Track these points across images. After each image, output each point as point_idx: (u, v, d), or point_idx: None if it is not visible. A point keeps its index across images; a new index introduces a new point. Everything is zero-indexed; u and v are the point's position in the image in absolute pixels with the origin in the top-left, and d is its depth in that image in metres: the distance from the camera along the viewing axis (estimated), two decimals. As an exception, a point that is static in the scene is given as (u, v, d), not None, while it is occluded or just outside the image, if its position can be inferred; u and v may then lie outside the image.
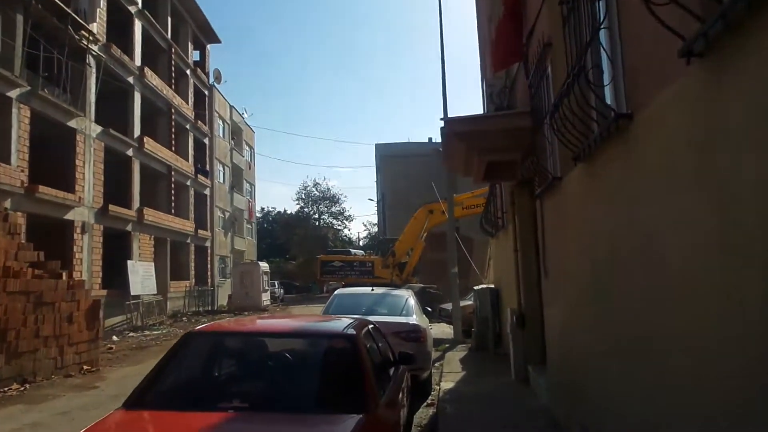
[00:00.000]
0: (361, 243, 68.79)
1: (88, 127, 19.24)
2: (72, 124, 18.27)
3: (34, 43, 16.19)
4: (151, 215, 23.77)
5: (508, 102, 8.57)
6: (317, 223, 62.50)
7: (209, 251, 32.93)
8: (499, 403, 7.04)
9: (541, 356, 7.96)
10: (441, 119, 6.25)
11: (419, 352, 7.63)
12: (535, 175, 5.93)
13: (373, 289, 9.32)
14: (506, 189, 9.53)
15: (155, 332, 19.61)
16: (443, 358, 11.73)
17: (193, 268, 29.96)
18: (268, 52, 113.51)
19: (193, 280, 29.72)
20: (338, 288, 10.00)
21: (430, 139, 49.07)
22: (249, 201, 43.68)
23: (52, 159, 18.26)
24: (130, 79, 22.80)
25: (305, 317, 4.58)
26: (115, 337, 17.90)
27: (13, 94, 15.33)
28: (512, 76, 8.75)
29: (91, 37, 19.14)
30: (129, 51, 22.87)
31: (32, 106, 16.12)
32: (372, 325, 4.94)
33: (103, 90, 21.40)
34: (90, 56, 19.47)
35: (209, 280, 32.43)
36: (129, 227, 22.31)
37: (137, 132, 23.23)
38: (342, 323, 4.22)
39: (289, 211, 66.69)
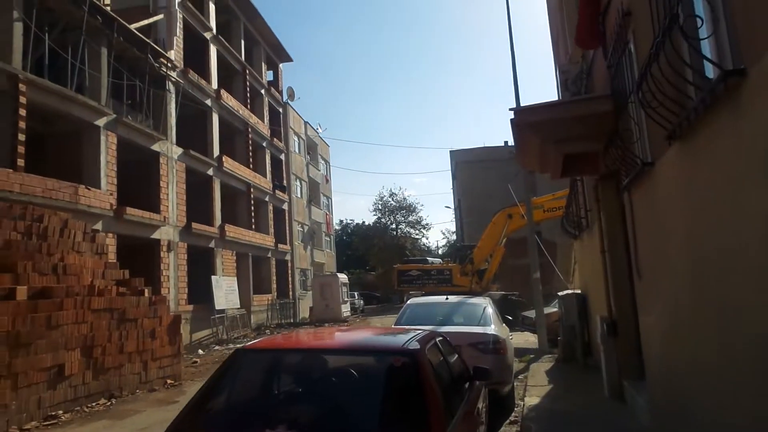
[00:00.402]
0: (440, 251, 68.06)
1: (169, 150, 20.15)
2: (155, 147, 19.18)
3: (117, 73, 17.16)
4: (232, 231, 24.52)
5: (585, 88, 7.82)
6: (395, 233, 62.48)
7: (289, 264, 33.60)
8: (591, 423, 6.29)
9: (639, 370, 7.10)
10: (511, 110, 5.69)
11: (499, 364, 7.04)
12: (621, 164, 5.22)
13: (447, 298, 8.80)
14: (588, 185, 8.72)
15: (239, 345, 20.02)
16: (527, 370, 10.96)
17: (274, 282, 30.64)
18: (338, 67, 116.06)
19: (275, 293, 30.36)
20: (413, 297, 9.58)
21: (505, 142, 47.56)
22: (326, 214, 44.35)
23: (138, 182, 19.23)
24: (208, 102, 23.74)
25: (369, 329, 4.22)
26: (201, 351, 18.46)
27: (101, 122, 16.27)
28: (588, 60, 8.00)
29: (169, 64, 20.09)
30: (206, 75, 23.84)
31: (118, 133, 17.05)
32: (440, 338, 4.46)
33: (182, 114, 22.45)
34: (169, 82, 20.43)
35: (290, 293, 33.03)
36: (212, 244, 23.10)
37: (216, 152, 24.10)
38: (404, 337, 3.78)
39: (367, 223, 67.25)
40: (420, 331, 4.06)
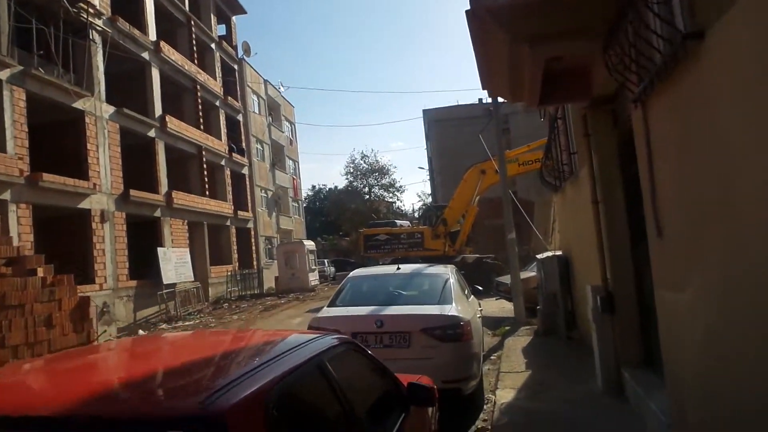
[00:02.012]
0: (416, 214, 66.47)
1: (98, 108, 17.71)
2: (78, 105, 16.74)
3: (25, 21, 14.59)
4: (181, 198, 22.33)
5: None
6: (368, 197, 60.63)
7: (252, 233, 31.56)
8: (586, 436, 4.62)
9: (643, 355, 5.44)
10: (466, -3, 3.76)
11: (461, 355, 5.34)
12: (632, 62, 3.38)
13: (399, 268, 6.98)
14: (574, 118, 6.89)
15: (188, 322, 18.21)
16: (501, 346, 9.34)
17: (235, 251, 28.66)
18: (303, 25, 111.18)
19: (237, 264, 28.43)
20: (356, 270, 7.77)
21: (480, 100, 45.68)
22: (293, 178, 42.12)
23: (61, 145, 16.91)
24: (145, 55, 21.15)
25: (199, 348, 2.36)
26: (141, 331, 16.56)
27: (3, 75, 13.82)
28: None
29: (92, 11, 17.45)
30: (141, 25, 21.18)
31: (27, 88, 14.61)
32: (342, 349, 2.65)
33: (118, 70, 19.94)
34: (93, 31, 17.82)
35: (254, 263, 31.11)
36: (158, 213, 20.93)
37: (159, 111, 21.66)
38: (230, 376, 1.86)
39: (339, 187, 65.04)
40: (287, 352, 2.22)
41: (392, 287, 6.49)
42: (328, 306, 6.25)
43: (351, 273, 7.26)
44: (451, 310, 5.64)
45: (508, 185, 13.36)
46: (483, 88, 6.14)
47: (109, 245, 17.59)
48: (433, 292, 6.23)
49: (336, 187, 65.47)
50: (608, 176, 5.63)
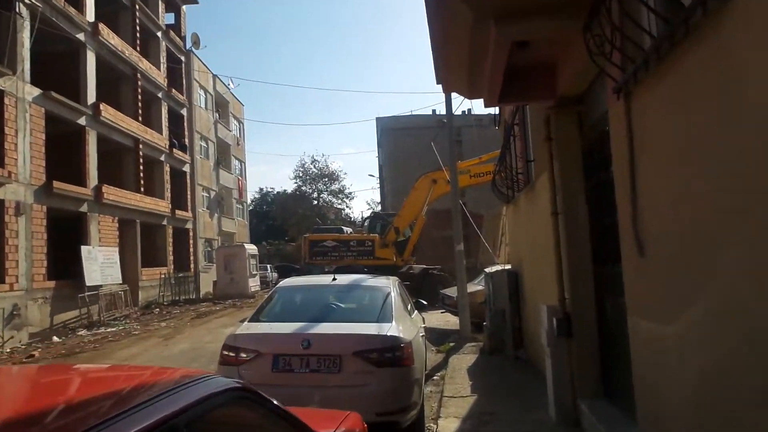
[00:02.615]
0: (364, 223, 65.69)
1: (20, 89, 16.11)
2: (-2, 84, 15.15)
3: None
4: (112, 193, 20.74)
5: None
6: (316, 202, 59.52)
7: (191, 234, 29.96)
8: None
9: (602, 385, 4.90)
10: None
11: (400, 382, 4.64)
12: (612, 50, 2.80)
13: (335, 279, 6.20)
14: (535, 122, 6.38)
15: (111, 329, 16.75)
16: (446, 365, 8.73)
17: (171, 253, 27.05)
18: (256, 20, 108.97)
19: (172, 266, 26.82)
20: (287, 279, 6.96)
21: (434, 111, 45.67)
22: (239, 179, 40.61)
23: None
24: (81, 36, 19.57)
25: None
26: (56, 338, 15.04)
27: None
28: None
29: (19, -19, 15.90)
30: (78, 4, 19.60)
31: (-67, 59, 13.02)
32: (223, 399, 1.88)
33: (48, 50, 18.32)
34: (21, 4, 16.25)
35: (192, 266, 29.52)
36: (84, 207, 19.30)
37: (92, 98, 20.07)
38: None
39: (288, 191, 63.48)
40: (134, 409, 1.44)
41: (325, 301, 5.73)
42: (250, 320, 5.41)
43: (280, 283, 6.44)
44: (390, 329, 4.93)
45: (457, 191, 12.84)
46: (438, 83, 5.52)
47: (24, 241, 15.95)
48: (371, 308, 5.51)
49: (285, 190, 63.99)
50: (570, 185, 5.10)
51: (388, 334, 4.81)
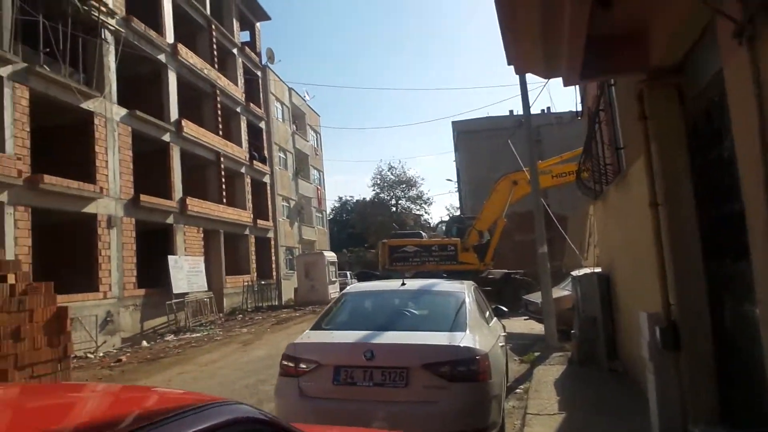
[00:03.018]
0: (441, 227, 64.77)
1: (108, 110, 17.05)
2: (87, 106, 16.09)
3: (30, 17, 14.00)
4: (196, 205, 21.54)
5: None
6: (395, 209, 59.47)
7: (272, 242, 30.67)
8: None
9: (719, 407, 4.08)
10: None
11: (476, 399, 4.10)
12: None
13: (404, 284, 5.70)
14: (624, 102, 5.60)
15: (196, 334, 17.26)
16: (530, 376, 7.98)
17: (254, 261, 27.77)
18: (327, 33, 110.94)
19: (255, 274, 27.53)
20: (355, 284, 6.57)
21: (510, 112, 44.24)
22: (317, 188, 41.27)
23: (69, 148, 16.27)
24: (161, 57, 20.54)
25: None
26: (144, 343, 15.67)
27: (4, 72, 13.18)
28: None
29: (104, 9, 16.85)
30: (158, 27, 20.61)
31: (30, 86, 13.96)
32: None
33: (132, 72, 19.41)
34: (105, 30, 17.22)
35: (274, 274, 30.18)
36: (170, 219, 20.15)
37: (174, 115, 20.98)
38: None
39: (366, 199, 63.96)
40: None
41: (393, 308, 5.26)
42: (312, 329, 5.05)
43: (348, 288, 6.05)
44: (464, 339, 4.37)
45: (538, 190, 11.99)
46: (509, 63, 4.90)
47: (116, 252, 16.81)
48: (443, 315, 4.97)
49: (364, 198, 64.52)
50: (673, 169, 4.32)
51: (462, 344, 4.26)
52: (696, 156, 4.27)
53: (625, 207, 6.29)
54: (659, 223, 4.44)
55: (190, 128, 21.59)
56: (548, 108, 43.98)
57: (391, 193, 60.25)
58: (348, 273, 38.53)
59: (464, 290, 5.40)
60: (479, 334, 4.70)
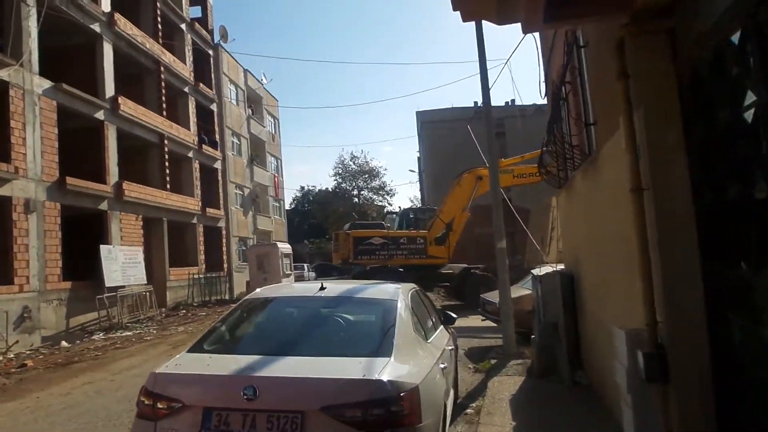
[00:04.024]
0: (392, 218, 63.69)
1: (27, 81, 15.22)
2: (1, 75, 14.25)
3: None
4: (134, 190, 19.82)
5: None
6: (357, 200, 58.14)
7: (223, 232, 29.04)
8: None
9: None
10: None
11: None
12: None
13: (323, 287, 4.50)
14: (598, 58, 4.53)
15: (128, 332, 15.73)
16: (485, 390, 6.94)
17: (202, 252, 26.16)
18: (284, 11, 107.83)
19: (203, 266, 25.92)
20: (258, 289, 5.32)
21: (475, 103, 43.42)
22: (274, 176, 39.63)
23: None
24: (96, 27, 18.66)
25: None
26: (65, 342, 14.04)
27: None
28: None
29: (24, -34, 15.00)
30: (93, -7, 18.75)
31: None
32: None
33: (62, 43, 17.61)
34: (26, -8, 15.36)
35: (225, 265, 28.59)
36: (104, 205, 18.41)
37: (110, 92, 19.16)
38: None
39: (328, 189, 62.36)
40: None
41: (301, 322, 4.07)
42: (189, 350, 3.82)
43: (251, 294, 4.80)
44: (385, 368, 3.19)
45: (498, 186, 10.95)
46: (454, 8, 3.78)
47: (36, 240, 15.07)
48: (364, 335, 3.81)
49: (326, 189, 62.95)
50: (663, 142, 3.26)
51: (379, 377, 3.10)
52: (693, 126, 3.22)
53: (594, 194, 5.25)
54: (643, 213, 3.38)
55: (128, 106, 19.81)
56: (512, 101, 43.38)
57: (353, 183, 58.88)
58: (306, 266, 37.22)
59: (397, 297, 4.22)
60: (411, 358, 3.56)
